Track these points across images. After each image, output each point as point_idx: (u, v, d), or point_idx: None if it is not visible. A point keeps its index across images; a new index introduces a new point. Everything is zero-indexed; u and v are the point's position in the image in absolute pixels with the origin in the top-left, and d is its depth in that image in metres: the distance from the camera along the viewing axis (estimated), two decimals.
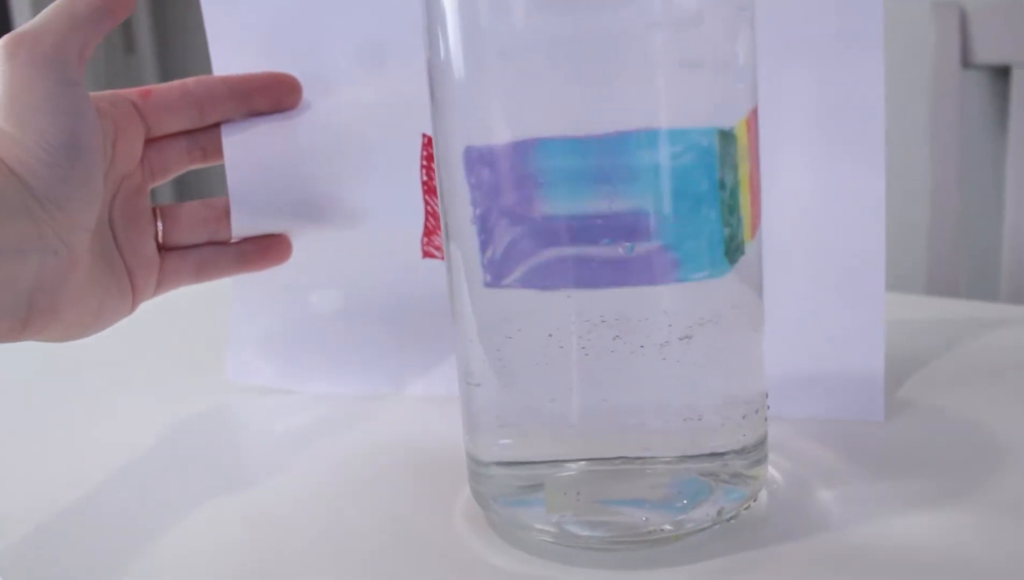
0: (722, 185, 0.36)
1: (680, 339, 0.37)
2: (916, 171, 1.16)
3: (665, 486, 0.39)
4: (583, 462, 0.39)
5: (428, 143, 0.53)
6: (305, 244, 0.55)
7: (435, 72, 0.38)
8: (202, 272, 0.52)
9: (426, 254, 0.55)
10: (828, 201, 0.49)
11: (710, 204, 0.36)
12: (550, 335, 0.37)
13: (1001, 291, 1.10)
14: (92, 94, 0.45)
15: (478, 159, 0.37)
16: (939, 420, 0.49)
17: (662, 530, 0.38)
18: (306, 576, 0.39)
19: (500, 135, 0.36)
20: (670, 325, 0.37)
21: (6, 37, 0.42)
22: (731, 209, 0.37)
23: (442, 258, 0.51)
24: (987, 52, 1.09)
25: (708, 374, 0.38)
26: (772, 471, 0.44)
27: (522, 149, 0.35)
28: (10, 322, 0.41)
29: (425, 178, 0.53)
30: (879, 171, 0.48)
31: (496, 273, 0.38)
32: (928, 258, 1.13)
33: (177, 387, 0.61)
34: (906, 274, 1.15)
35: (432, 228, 0.54)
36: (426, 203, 0.54)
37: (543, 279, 0.37)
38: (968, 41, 1.10)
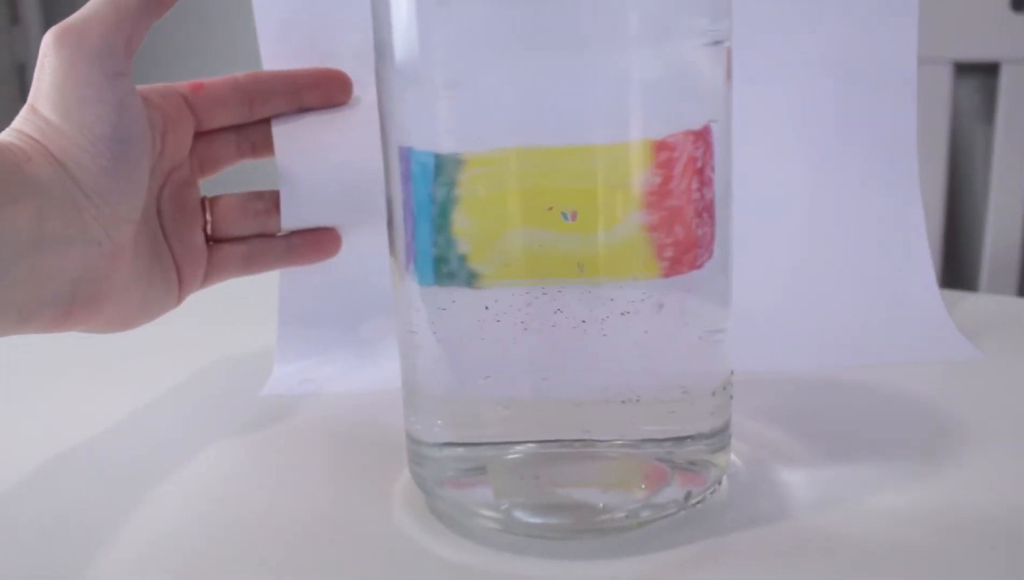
0: (432, 202, 0.34)
1: (621, 314, 0.34)
2: None
3: (619, 471, 0.35)
4: (531, 444, 0.35)
5: None
6: (356, 268, 0.52)
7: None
8: (250, 264, 0.50)
9: None
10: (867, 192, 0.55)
11: (424, 218, 0.35)
12: (486, 307, 0.34)
13: None
14: (142, 87, 0.44)
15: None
16: (893, 401, 0.47)
17: (620, 518, 0.34)
18: (235, 569, 0.35)
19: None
20: (612, 299, 0.34)
21: (53, 29, 0.41)
22: (439, 229, 0.34)
23: None
24: None
25: (654, 354, 0.35)
26: (732, 456, 0.41)
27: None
28: (53, 313, 0.40)
29: None
30: (912, 171, 0.55)
31: None
32: None
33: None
34: None
35: None
36: None
37: None
38: None
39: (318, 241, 0.50)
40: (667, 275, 0.34)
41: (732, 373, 0.37)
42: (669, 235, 0.34)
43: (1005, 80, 1.07)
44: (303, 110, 0.49)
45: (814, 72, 0.54)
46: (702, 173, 0.34)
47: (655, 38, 0.33)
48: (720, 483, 0.37)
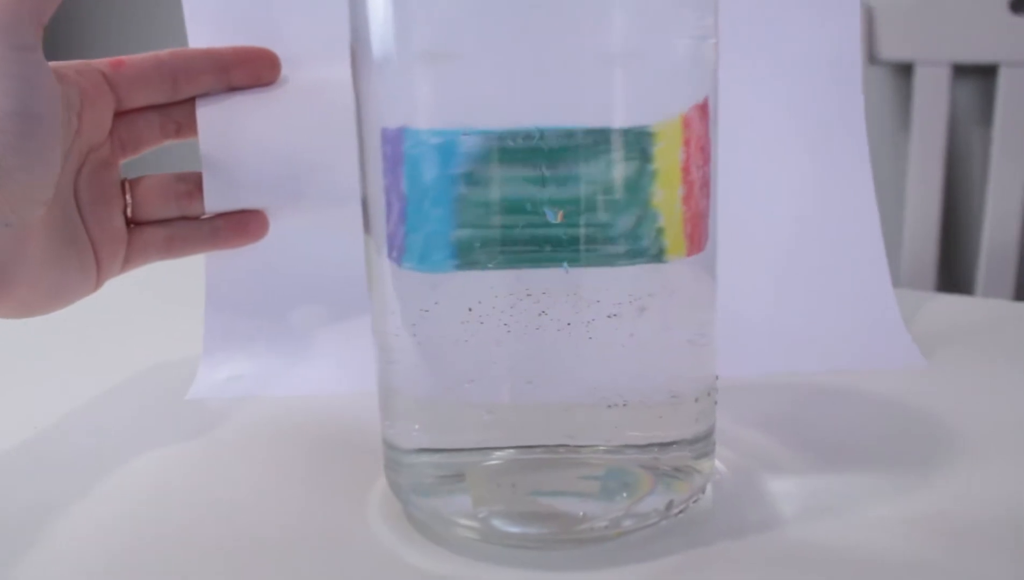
0: (467, 183, 0.32)
1: (608, 317, 0.32)
2: None
3: (601, 478, 0.34)
4: (510, 450, 0.34)
5: None
6: (283, 257, 0.51)
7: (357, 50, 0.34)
8: (172, 248, 0.48)
9: None
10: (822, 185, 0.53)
11: (434, 200, 0.32)
12: (470, 309, 0.33)
13: (902, 283, 1.09)
14: (58, 63, 0.43)
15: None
16: (888, 410, 0.46)
17: (601, 527, 0.33)
18: (206, 576, 0.34)
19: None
20: (598, 301, 0.32)
21: None
22: (480, 208, 0.32)
23: None
24: (892, 49, 1.08)
25: (640, 358, 0.34)
26: (716, 462, 0.39)
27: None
28: None
29: None
30: (865, 164, 0.53)
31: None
32: None
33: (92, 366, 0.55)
34: None
35: None
36: None
37: None
38: (874, 38, 1.09)
39: (243, 224, 0.49)
40: (689, 254, 0.34)
41: (717, 378, 0.36)
42: (689, 210, 0.33)
43: (1003, 82, 1.06)
44: (230, 89, 0.48)
45: (775, 77, 0.53)
46: (704, 149, 0.34)
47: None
48: (704, 491, 0.36)
